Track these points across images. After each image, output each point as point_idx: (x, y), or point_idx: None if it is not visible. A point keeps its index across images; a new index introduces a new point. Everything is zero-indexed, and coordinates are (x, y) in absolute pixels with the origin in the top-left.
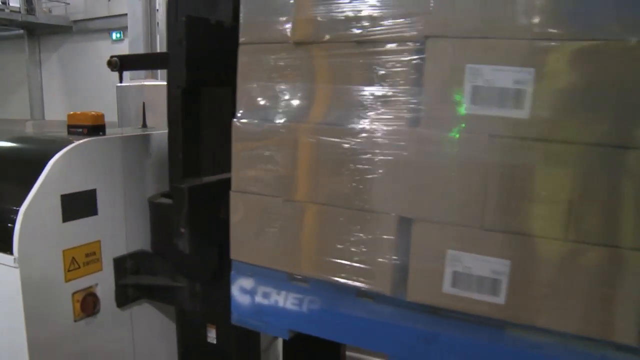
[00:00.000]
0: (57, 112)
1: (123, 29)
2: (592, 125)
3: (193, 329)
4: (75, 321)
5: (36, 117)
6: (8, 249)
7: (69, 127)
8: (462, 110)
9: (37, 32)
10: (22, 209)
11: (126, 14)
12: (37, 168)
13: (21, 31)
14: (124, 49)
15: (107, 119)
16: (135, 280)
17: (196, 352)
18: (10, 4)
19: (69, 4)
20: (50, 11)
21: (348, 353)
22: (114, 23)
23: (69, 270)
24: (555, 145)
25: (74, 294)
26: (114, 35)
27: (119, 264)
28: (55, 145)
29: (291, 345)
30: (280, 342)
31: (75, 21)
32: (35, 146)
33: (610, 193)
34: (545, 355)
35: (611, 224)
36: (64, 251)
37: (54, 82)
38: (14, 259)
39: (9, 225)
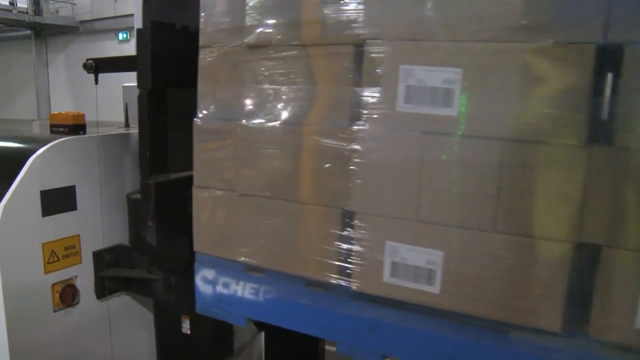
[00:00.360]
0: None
1: (129, 29)
2: (514, 122)
3: (169, 320)
4: (54, 311)
5: (43, 117)
6: None
7: (52, 126)
8: (399, 108)
9: (44, 33)
10: (2, 203)
11: (132, 15)
12: (18, 165)
13: (28, 32)
14: (130, 49)
15: (115, 119)
16: (114, 273)
17: (172, 342)
18: (18, 5)
19: (75, 4)
20: (57, 12)
21: (328, 347)
22: (121, 23)
23: (48, 263)
24: (480, 141)
25: (53, 285)
26: (121, 36)
27: (98, 257)
28: (35, 144)
29: (273, 340)
30: (262, 337)
31: (82, 21)
32: (17, 144)
33: (531, 185)
34: (483, 343)
35: (530, 215)
36: (43, 244)
37: (60, 82)
38: None
39: None
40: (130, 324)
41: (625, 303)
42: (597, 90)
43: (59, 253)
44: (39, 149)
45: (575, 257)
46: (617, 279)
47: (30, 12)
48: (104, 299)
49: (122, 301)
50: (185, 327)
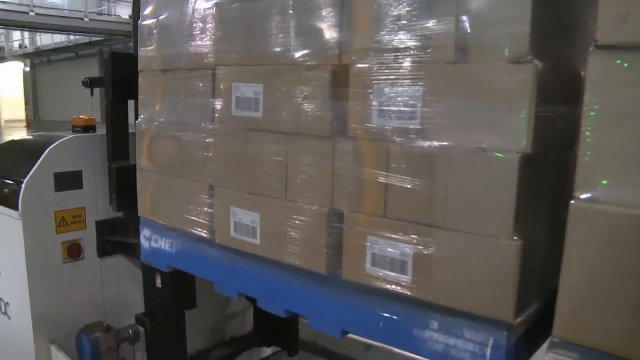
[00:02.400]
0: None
1: None
2: (292, 120)
3: (149, 277)
4: (63, 263)
5: None
6: (15, 207)
7: (72, 127)
8: (233, 112)
9: None
10: (26, 180)
11: None
12: (39, 153)
13: None
14: None
15: None
16: (112, 238)
17: (151, 294)
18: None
19: None
20: None
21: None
22: None
23: (59, 226)
24: (272, 134)
25: (62, 242)
26: None
27: (99, 225)
28: (54, 139)
29: (260, 310)
30: (251, 308)
31: None
32: (43, 139)
33: (302, 166)
34: (295, 284)
35: (302, 187)
36: (55, 212)
37: None
38: (18, 213)
39: (17, 190)
40: (124, 279)
41: (359, 253)
42: (335, 97)
43: (67, 219)
44: (54, 143)
45: (330, 218)
46: (353, 234)
47: None
48: (104, 258)
49: (118, 261)
50: (158, 282)
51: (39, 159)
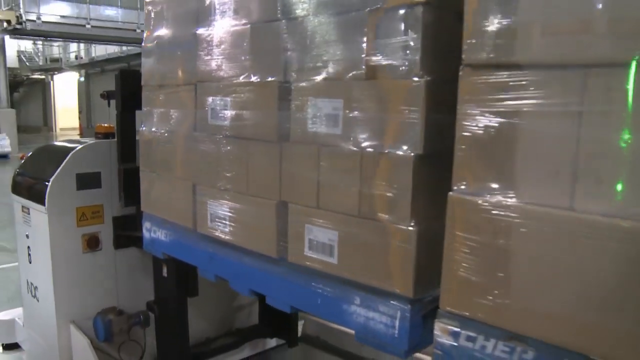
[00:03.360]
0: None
1: None
2: (257, 127)
3: (157, 267)
4: (83, 252)
5: None
6: (42, 202)
7: (95, 134)
8: (209, 121)
9: None
10: (51, 179)
11: None
12: (64, 157)
13: None
14: None
15: None
16: (127, 232)
17: (159, 283)
18: None
19: None
20: None
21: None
22: None
23: (80, 220)
24: (238, 140)
25: (82, 235)
26: None
27: (115, 220)
28: (77, 144)
29: (265, 304)
30: (257, 302)
31: None
32: (68, 144)
33: (260, 166)
34: (259, 267)
35: (261, 184)
36: (76, 208)
37: None
38: (45, 208)
39: (44, 188)
40: (137, 269)
41: (299, 239)
42: (281, 108)
43: (87, 215)
44: (77, 147)
45: (279, 209)
46: (295, 222)
47: None
48: (119, 250)
49: (132, 252)
50: (164, 271)
51: (63, 161)
